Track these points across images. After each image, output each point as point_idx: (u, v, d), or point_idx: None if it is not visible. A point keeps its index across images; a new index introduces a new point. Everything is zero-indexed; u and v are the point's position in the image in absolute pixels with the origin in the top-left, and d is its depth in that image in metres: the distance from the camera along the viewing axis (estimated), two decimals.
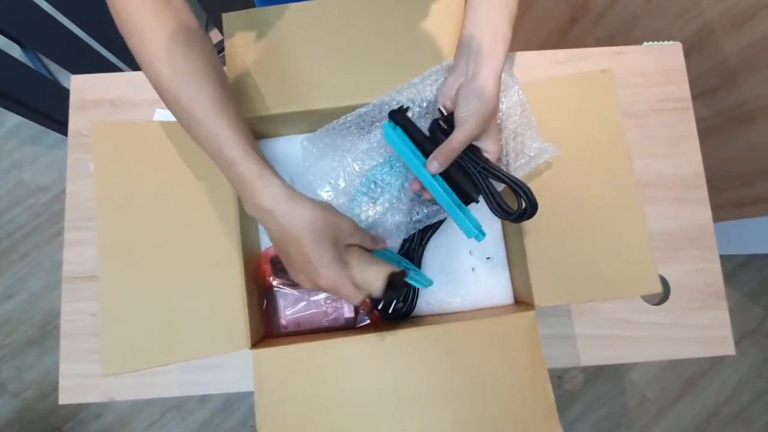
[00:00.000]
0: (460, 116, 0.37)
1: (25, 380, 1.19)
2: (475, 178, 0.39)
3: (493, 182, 0.39)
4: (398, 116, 0.41)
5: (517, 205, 0.38)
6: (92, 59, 0.99)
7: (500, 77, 0.38)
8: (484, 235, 0.40)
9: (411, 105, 0.43)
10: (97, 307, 0.53)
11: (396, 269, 0.36)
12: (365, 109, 0.44)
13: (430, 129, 0.41)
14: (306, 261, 0.34)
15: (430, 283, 0.45)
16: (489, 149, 0.39)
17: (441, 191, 0.39)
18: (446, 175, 0.40)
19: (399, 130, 0.41)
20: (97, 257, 0.40)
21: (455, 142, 0.37)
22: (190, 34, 0.35)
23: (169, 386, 0.52)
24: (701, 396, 1.19)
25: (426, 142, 0.41)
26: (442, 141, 0.38)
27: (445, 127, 0.40)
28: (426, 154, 0.40)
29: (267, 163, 0.34)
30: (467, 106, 0.37)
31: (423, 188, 0.41)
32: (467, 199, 0.40)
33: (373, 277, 0.35)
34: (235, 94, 0.44)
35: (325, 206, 0.35)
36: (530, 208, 0.38)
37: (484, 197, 0.39)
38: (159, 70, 0.33)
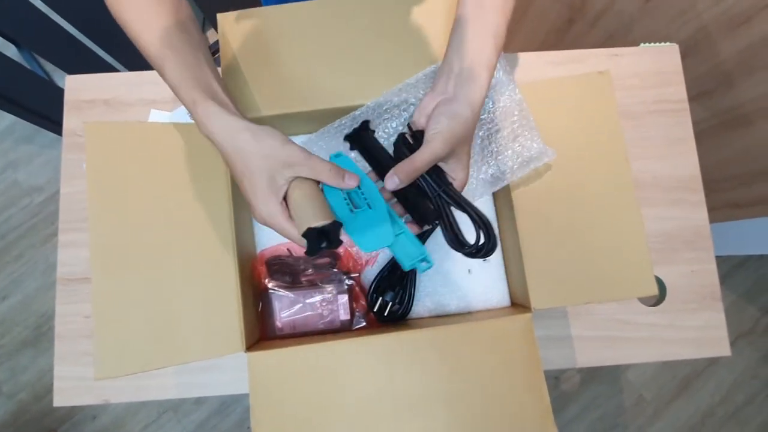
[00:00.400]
0: (429, 134, 0.35)
1: (20, 382, 1.18)
2: (433, 201, 0.37)
3: (454, 210, 0.37)
4: (362, 133, 0.40)
5: (475, 239, 0.35)
6: (88, 59, 0.99)
7: (480, 104, 0.36)
8: (429, 264, 0.38)
9: (406, 105, 0.43)
10: (91, 309, 0.53)
11: (324, 223, 0.31)
12: (359, 112, 0.44)
13: (395, 143, 0.39)
14: (243, 190, 0.33)
15: (420, 256, 0.39)
16: (456, 176, 0.37)
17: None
18: (403, 196, 0.38)
19: (343, 157, 0.39)
20: (90, 259, 0.40)
21: (419, 159, 0.35)
22: (185, 29, 0.36)
23: (165, 388, 0.51)
24: (697, 396, 1.20)
25: (388, 159, 0.39)
26: (406, 157, 0.36)
27: (412, 143, 0.38)
28: (384, 172, 0.37)
29: (220, 94, 0.34)
30: (438, 125, 0.35)
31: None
32: (422, 222, 0.38)
33: (299, 222, 0.32)
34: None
35: (263, 135, 0.32)
36: (488, 245, 0.35)
37: (440, 224, 0.37)
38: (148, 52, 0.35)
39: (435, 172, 0.37)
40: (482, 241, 0.35)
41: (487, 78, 0.36)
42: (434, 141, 0.35)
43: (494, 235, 0.35)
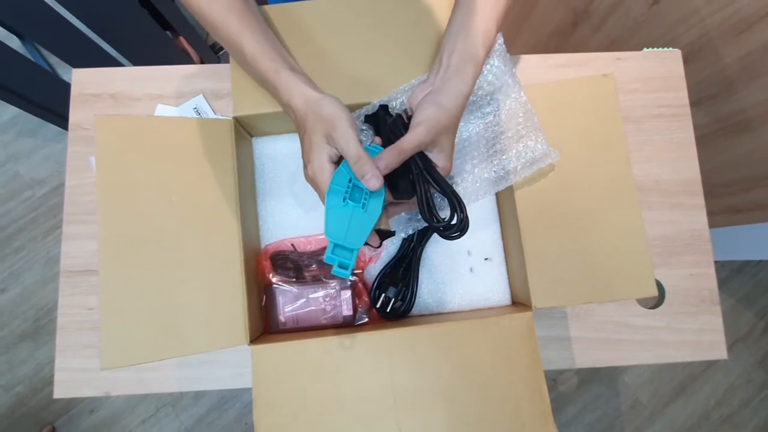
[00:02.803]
0: (414, 121, 0.37)
1: (18, 375, 1.18)
2: (414, 177, 0.38)
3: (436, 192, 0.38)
4: (378, 114, 0.41)
5: (449, 217, 0.36)
6: (92, 52, 0.99)
7: (466, 97, 0.38)
8: (345, 273, 0.36)
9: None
10: (94, 301, 0.53)
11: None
12: (365, 110, 0.44)
13: (391, 123, 0.41)
14: (303, 148, 0.38)
15: (346, 262, 0.36)
16: (439, 164, 0.38)
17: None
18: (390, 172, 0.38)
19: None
20: (98, 251, 0.40)
21: (404, 144, 0.36)
22: None
23: (166, 381, 0.51)
24: (693, 399, 1.21)
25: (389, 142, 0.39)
26: (396, 139, 0.38)
27: (406, 122, 0.40)
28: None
29: (295, 65, 0.39)
30: (423, 114, 0.37)
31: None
32: (395, 194, 0.39)
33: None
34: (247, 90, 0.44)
35: (328, 105, 0.36)
36: (460, 225, 0.36)
37: (417, 199, 0.38)
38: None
39: (422, 156, 0.38)
40: (454, 220, 0.36)
41: (473, 73, 0.38)
42: (418, 128, 0.36)
43: (467, 217, 0.36)
